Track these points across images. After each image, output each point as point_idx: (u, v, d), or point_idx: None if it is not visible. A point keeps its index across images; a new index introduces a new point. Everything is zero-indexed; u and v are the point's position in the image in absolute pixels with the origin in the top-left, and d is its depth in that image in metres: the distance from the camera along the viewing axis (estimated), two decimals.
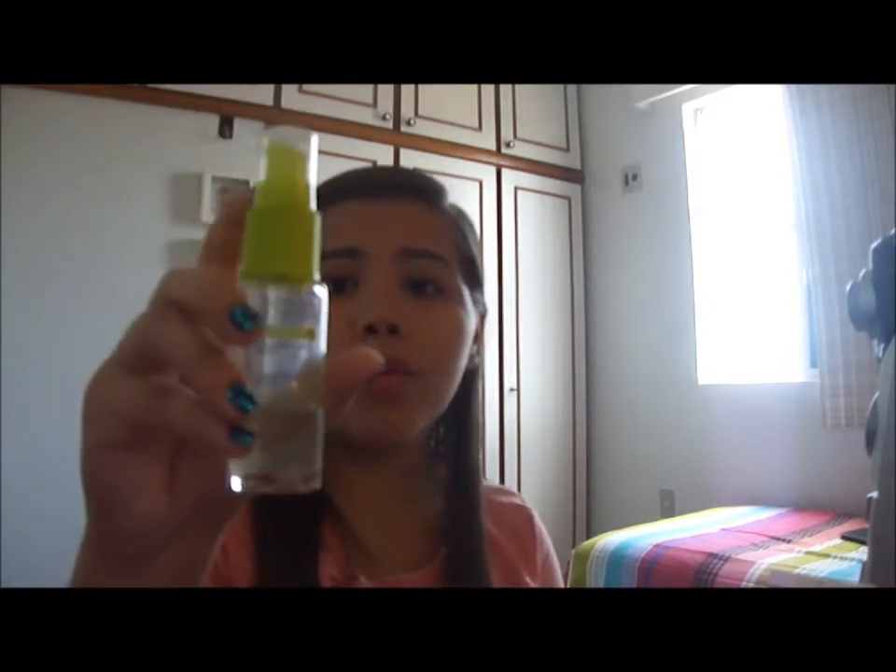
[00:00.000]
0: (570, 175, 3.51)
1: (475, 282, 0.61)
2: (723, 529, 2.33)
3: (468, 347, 0.58)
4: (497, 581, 0.59)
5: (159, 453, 0.30)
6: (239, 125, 2.61)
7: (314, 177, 0.32)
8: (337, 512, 0.56)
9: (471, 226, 0.62)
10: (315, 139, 0.32)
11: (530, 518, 0.69)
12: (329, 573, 0.53)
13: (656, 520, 2.68)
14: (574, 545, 2.73)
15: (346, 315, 0.52)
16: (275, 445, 0.29)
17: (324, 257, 0.52)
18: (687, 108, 3.21)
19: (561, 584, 0.70)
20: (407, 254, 0.54)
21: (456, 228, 0.60)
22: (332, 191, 0.57)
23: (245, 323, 0.27)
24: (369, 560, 0.55)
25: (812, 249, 2.63)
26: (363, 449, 0.56)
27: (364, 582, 0.54)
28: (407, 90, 3.01)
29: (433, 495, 0.62)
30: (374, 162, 2.85)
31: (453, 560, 0.58)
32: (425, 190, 0.59)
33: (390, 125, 2.96)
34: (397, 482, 0.60)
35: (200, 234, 2.49)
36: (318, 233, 0.32)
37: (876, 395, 0.86)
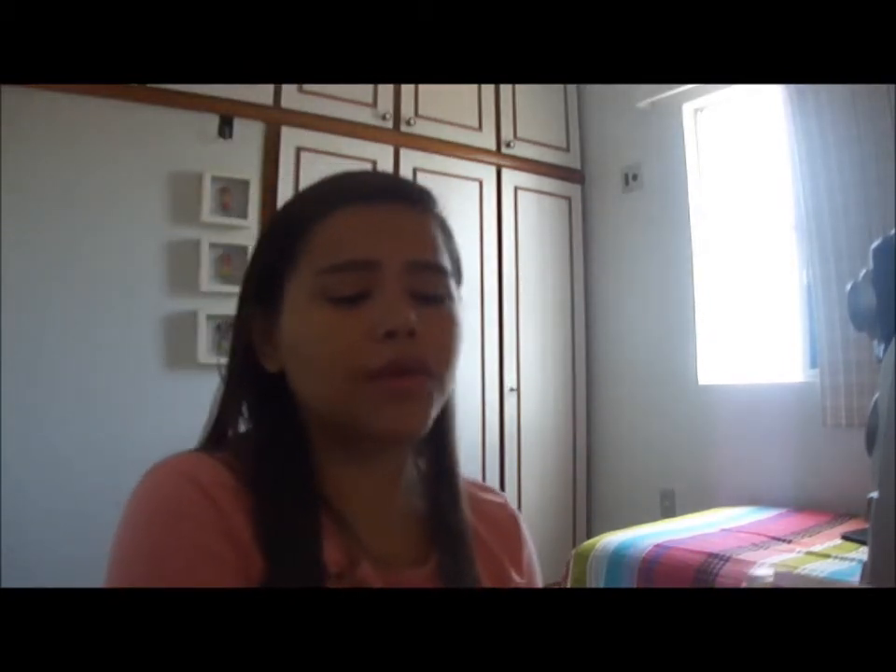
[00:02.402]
0: (570, 175, 3.51)
1: (460, 279, 0.63)
2: (723, 529, 2.33)
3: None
4: (485, 577, 0.61)
5: None
6: (239, 125, 2.61)
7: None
8: (330, 506, 0.58)
9: (450, 227, 0.64)
10: None
11: (514, 517, 0.71)
12: (333, 557, 0.54)
13: (656, 520, 2.68)
14: (574, 545, 2.73)
15: (362, 323, 0.54)
16: None
17: (340, 268, 0.54)
18: (687, 108, 3.20)
19: (540, 583, 0.71)
20: (416, 266, 0.56)
21: (446, 231, 0.62)
22: (332, 195, 0.58)
23: None
24: (366, 551, 0.57)
25: (812, 249, 2.63)
26: (375, 443, 0.59)
27: (367, 569, 0.55)
28: (407, 90, 3.01)
29: (417, 493, 0.64)
30: (374, 162, 2.85)
31: (447, 562, 0.60)
32: (421, 197, 0.60)
33: (390, 125, 2.96)
34: (386, 480, 0.62)
35: (200, 234, 2.51)
36: None
37: (877, 395, 0.86)
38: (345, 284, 0.54)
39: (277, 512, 0.53)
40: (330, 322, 0.54)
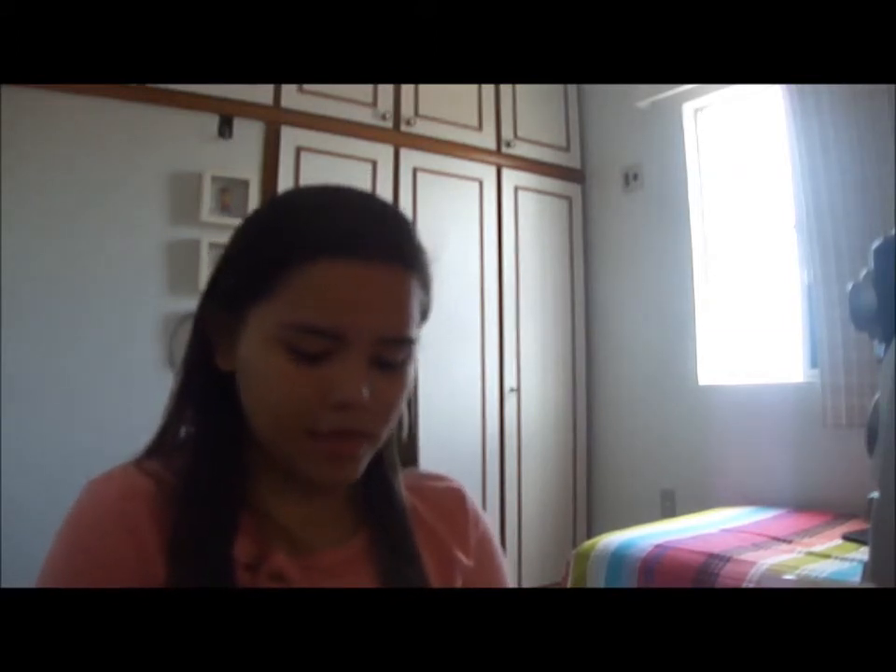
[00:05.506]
0: (570, 175, 3.51)
1: (428, 299, 0.61)
2: (724, 529, 2.33)
3: None
4: (427, 557, 0.63)
5: None
6: (239, 125, 2.61)
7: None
8: (254, 504, 0.59)
9: (430, 274, 0.61)
10: None
11: (462, 498, 0.71)
12: (245, 550, 0.56)
13: (657, 520, 2.68)
14: (574, 545, 2.73)
15: (318, 384, 0.55)
16: None
17: (308, 331, 0.54)
18: (687, 108, 3.20)
19: (502, 564, 0.71)
20: (384, 341, 0.56)
21: (425, 282, 0.60)
22: (324, 240, 0.55)
23: None
24: (287, 539, 0.59)
25: (812, 249, 2.63)
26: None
27: (280, 557, 0.57)
28: (407, 89, 3.01)
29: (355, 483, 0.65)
30: (374, 162, 2.85)
31: (376, 535, 0.62)
32: (409, 254, 0.58)
33: (390, 125, 2.96)
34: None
35: (200, 234, 2.51)
36: None
37: (877, 395, 0.86)
38: (310, 343, 0.54)
39: (187, 516, 0.55)
40: (288, 377, 0.55)
